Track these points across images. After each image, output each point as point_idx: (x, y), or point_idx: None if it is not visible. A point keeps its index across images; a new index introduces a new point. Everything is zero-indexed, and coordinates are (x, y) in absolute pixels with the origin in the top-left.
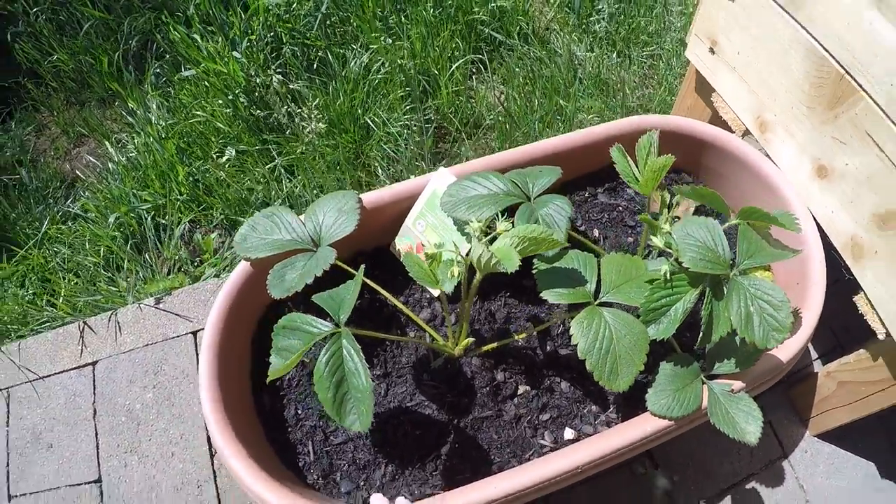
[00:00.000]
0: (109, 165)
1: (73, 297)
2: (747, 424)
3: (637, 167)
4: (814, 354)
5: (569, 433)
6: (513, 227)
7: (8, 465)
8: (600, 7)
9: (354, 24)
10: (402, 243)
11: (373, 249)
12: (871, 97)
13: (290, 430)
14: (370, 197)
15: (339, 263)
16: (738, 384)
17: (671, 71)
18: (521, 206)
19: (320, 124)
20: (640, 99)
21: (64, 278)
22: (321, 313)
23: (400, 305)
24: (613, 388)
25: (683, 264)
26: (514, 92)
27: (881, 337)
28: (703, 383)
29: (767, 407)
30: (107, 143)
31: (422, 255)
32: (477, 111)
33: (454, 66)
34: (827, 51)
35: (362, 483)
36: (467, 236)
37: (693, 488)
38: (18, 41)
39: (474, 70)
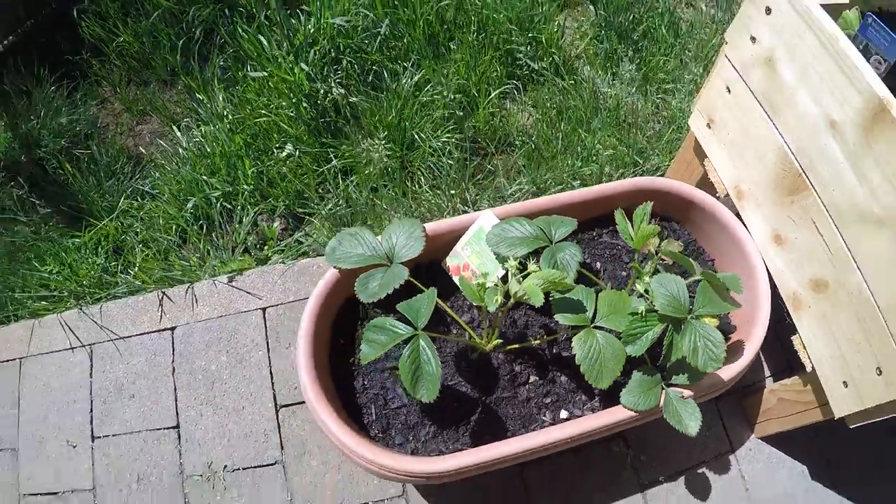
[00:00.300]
0: (179, 150)
1: (147, 269)
2: (690, 421)
3: (632, 227)
4: (767, 372)
5: (563, 414)
6: (539, 268)
7: (91, 410)
8: (624, 46)
9: (406, 41)
10: (451, 262)
11: (428, 262)
12: (818, 195)
13: (357, 395)
14: (431, 226)
15: (411, 280)
16: (687, 392)
17: (682, 111)
18: (546, 249)
19: (384, 150)
20: (650, 137)
21: (137, 250)
22: (387, 307)
23: (451, 313)
24: (598, 386)
25: (655, 307)
26: (543, 121)
27: (808, 370)
28: (663, 389)
29: (723, 411)
30: (175, 128)
31: (468, 273)
32: (509, 131)
33: (493, 93)
34: (792, 152)
35: (411, 438)
36: (502, 263)
37: (655, 467)
38: (84, 18)
39: (508, 91)
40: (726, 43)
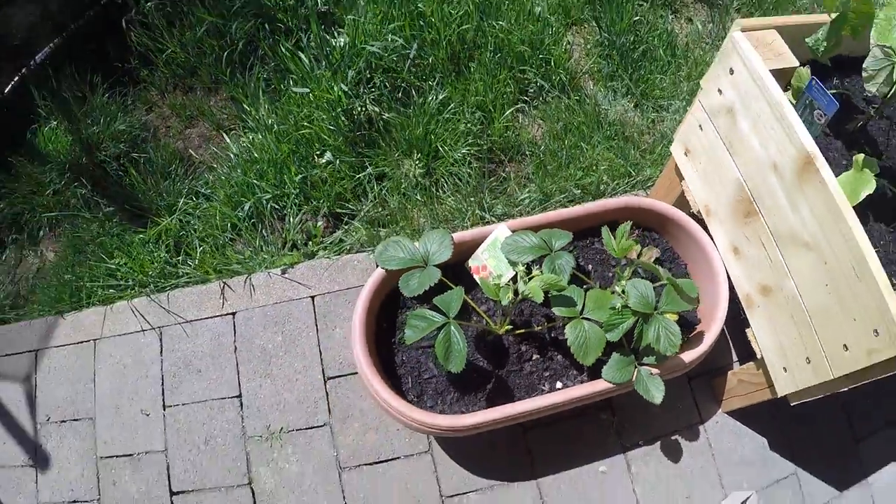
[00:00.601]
0: (231, 156)
1: (205, 261)
2: (656, 392)
3: (615, 241)
4: (735, 357)
5: (559, 385)
6: (542, 272)
7: (163, 384)
8: (625, 64)
9: (432, 60)
10: (473, 263)
11: (454, 263)
12: (764, 219)
13: (397, 368)
14: (457, 235)
15: (442, 279)
16: (655, 371)
17: (673, 127)
18: (547, 256)
19: (418, 170)
20: (644, 150)
21: (196, 244)
22: (422, 299)
23: (472, 304)
24: (585, 363)
25: (629, 304)
26: (550, 134)
27: (759, 357)
28: (636, 367)
29: (696, 389)
30: (225, 135)
31: (485, 273)
32: (521, 143)
33: (508, 110)
34: (746, 184)
35: (439, 402)
36: (513, 267)
37: (636, 433)
38: (133, 28)
39: (520, 106)
40: (702, 89)
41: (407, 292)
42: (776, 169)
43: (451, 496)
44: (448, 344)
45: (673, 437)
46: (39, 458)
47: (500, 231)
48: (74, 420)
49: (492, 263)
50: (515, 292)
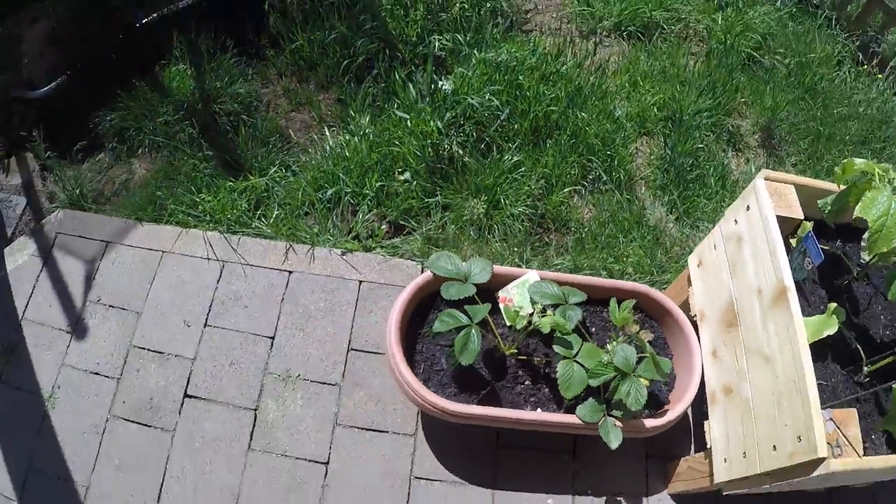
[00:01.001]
0: (326, 147)
1: (278, 223)
2: (613, 439)
3: (619, 312)
4: (692, 450)
5: (539, 410)
6: (553, 315)
7: (210, 306)
8: (678, 181)
9: (516, 127)
10: (501, 293)
11: (486, 288)
12: (741, 332)
13: (415, 355)
14: (497, 268)
15: (475, 295)
16: (619, 423)
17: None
18: (561, 306)
19: (479, 211)
20: (671, 258)
21: (275, 207)
22: (452, 305)
23: (492, 324)
24: (565, 395)
25: (614, 361)
26: (595, 220)
27: (708, 447)
28: (604, 415)
29: (650, 467)
30: (326, 129)
31: (509, 304)
32: (569, 219)
33: (567, 189)
34: (736, 300)
35: (440, 392)
36: (532, 305)
37: (588, 482)
38: (272, 11)
39: (578, 189)
40: (724, 216)
41: (446, 296)
42: (760, 293)
43: (419, 478)
44: (466, 340)
45: (618, 498)
46: (78, 329)
47: (531, 275)
48: (122, 309)
49: (517, 297)
50: (529, 323)
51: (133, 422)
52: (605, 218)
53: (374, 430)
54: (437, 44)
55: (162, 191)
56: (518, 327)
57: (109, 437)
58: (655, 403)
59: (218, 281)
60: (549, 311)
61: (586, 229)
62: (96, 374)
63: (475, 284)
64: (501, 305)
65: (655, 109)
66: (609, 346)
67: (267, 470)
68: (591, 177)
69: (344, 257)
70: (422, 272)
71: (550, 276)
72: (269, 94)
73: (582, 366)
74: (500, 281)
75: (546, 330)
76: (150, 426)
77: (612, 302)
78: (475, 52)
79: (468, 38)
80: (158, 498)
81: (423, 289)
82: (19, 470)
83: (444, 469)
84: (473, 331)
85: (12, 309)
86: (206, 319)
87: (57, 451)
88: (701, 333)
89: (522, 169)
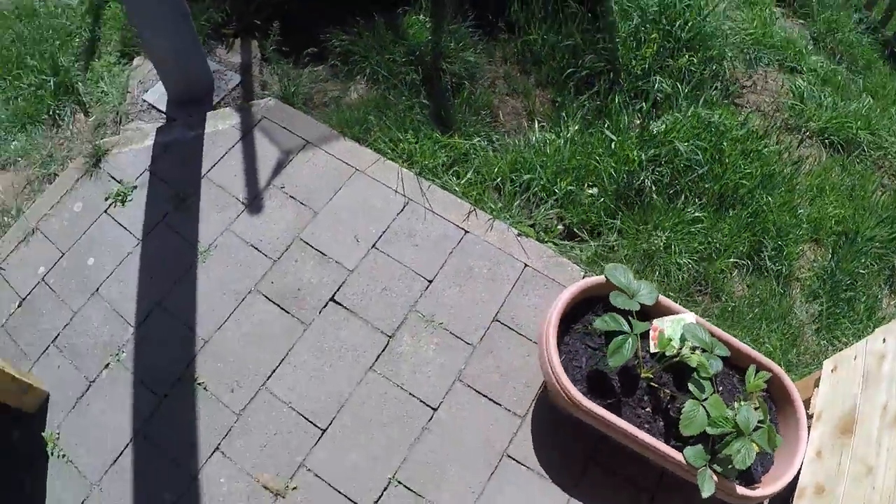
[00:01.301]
0: (531, 138)
1: (468, 187)
2: (707, 489)
3: (752, 380)
4: None
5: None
6: (698, 355)
7: (384, 232)
8: (835, 294)
9: (709, 186)
10: (657, 322)
11: (645, 311)
12: (854, 441)
13: (560, 346)
14: (662, 298)
15: (634, 312)
16: (715, 477)
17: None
18: (706, 351)
19: (650, 246)
20: (806, 357)
21: (470, 173)
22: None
23: (639, 345)
24: (683, 432)
25: (736, 418)
26: (747, 298)
27: None
28: (706, 464)
29: None
30: (535, 121)
31: (662, 333)
32: (723, 287)
33: (731, 259)
34: (858, 408)
35: (581, 389)
36: (681, 341)
37: None
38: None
39: (740, 264)
40: (872, 332)
41: (614, 303)
42: (884, 409)
43: (511, 457)
44: (622, 345)
45: None
46: (253, 204)
47: (688, 316)
48: (301, 203)
49: (669, 330)
50: (677, 354)
51: (274, 303)
52: (755, 300)
53: (488, 399)
54: (658, 84)
55: (372, 117)
56: (667, 354)
57: (245, 308)
58: (748, 478)
59: (398, 213)
60: (696, 352)
61: (735, 304)
62: (256, 248)
63: (639, 302)
64: (654, 332)
65: (833, 222)
66: (736, 404)
67: (379, 393)
68: (754, 259)
69: (518, 238)
70: (583, 277)
71: (705, 324)
72: (491, 72)
73: (706, 412)
74: (659, 310)
75: (694, 363)
76: (288, 312)
77: (752, 368)
78: (692, 105)
79: (686, 90)
80: (270, 375)
81: (591, 290)
82: (148, 303)
83: (535, 459)
84: (631, 339)
85: (197, 165)
86: (376, 242)
87: (191, 300)
88: (812, 430)
89: (699, 226)
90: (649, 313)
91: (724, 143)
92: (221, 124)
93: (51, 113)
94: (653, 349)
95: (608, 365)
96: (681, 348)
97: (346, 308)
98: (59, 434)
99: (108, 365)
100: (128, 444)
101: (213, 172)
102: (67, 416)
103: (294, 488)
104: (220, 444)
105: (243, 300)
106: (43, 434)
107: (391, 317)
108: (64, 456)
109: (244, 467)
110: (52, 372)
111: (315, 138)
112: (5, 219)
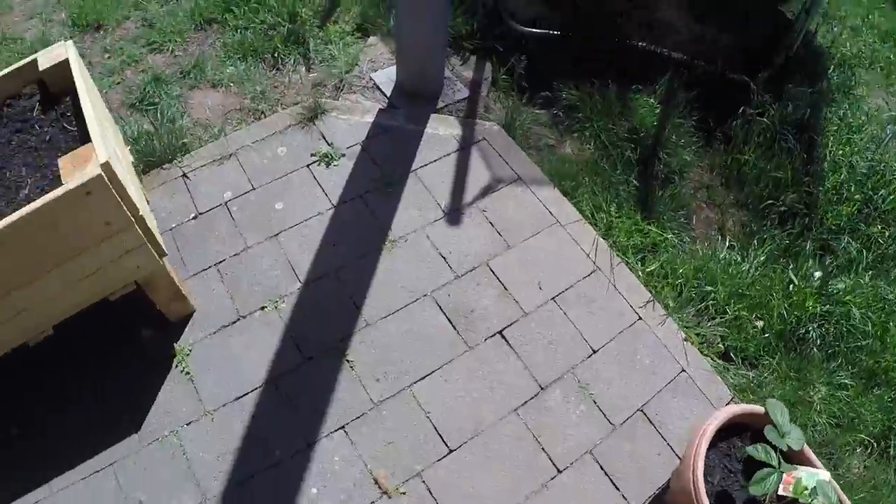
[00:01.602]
0: (720, 251)
1: (652, 276)
2: None
3: None
4: None
5: None
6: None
7: (567, 290)
8: None
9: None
10: (792, 471)
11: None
12: None
13: (706, 462)
14: (807, 449)
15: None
16: None
17: None
18: None
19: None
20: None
21: (659, 258)
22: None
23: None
24: None
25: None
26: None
27: None
28: None
29: None
30: (726, 238)
31: (798, 481)
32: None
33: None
34: None
35: None
36: (810, 496)
37: None
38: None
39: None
40: None
41: (767, 436)
42: None
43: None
44: (765, 477)
45: None
46: (453, 216)
47: (824, 473)
48: (498, 232)
49: (805, 479)
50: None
51: (445, 314)
52: (868, 481)
53: (611, 480)
54: (846, 244)
55: (585, 177)
56: (800, 501)
57: (416, 308)
58: None
59: (585, 277)
60: None
61: (850, 478)
62: (443, 258)
63: (787, 445)
64: (787, 476)
65: None
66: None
67: (515, 436)
68: (883, 443)
69: (684, 342)
70: (730, 401)
71: (836, 486)
72: (696, 175)
73: None
74: (799, 458)
75: None
76: (455, 329)
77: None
78: (876, 276)
79: (869, 258)
80: (419, 380)
81: (745, 416)
82: (324, 267)
83: None
84: (776, 475)
85: (410, 158)
86: (557, 296)
87: (366, 281)
88: None
89: (845, 392)
90: (790, 457)
91: (892, 323)
92: (443, 130)
93: (275, 55)
94: (781, 491)
95: (745, 490)
96: (811, 501)
97: (510, 346)
98: (190, 351)
99: (264, 308)
100: (256, 389)
101: (423, 171)
102: (205, 340)
103: (403, 493)
104: (347, 424)
105: (416, 301)
106: (175, 345)
107: (549, 370)
108: (188, 374)
109: (363, 455)
110: (205, 292)
111: (527, 177)
112: (206, 134)
